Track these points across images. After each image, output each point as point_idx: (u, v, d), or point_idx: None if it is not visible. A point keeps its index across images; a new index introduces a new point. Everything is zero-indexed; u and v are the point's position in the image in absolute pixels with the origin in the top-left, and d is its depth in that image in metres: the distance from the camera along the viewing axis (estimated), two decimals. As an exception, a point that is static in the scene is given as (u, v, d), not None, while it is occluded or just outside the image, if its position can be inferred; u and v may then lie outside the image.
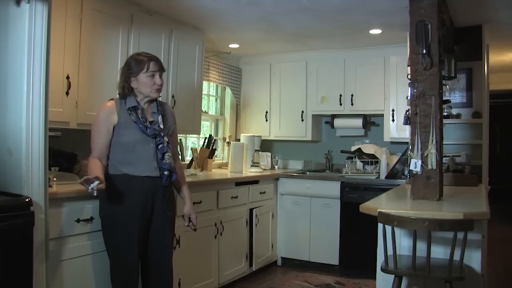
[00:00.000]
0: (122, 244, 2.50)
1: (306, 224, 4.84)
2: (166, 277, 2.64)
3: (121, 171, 2.51)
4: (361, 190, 4.55)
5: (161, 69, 2.60)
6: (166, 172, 2.56)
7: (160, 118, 2.61)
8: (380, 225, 2.47)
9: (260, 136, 5.24)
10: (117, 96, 2.65)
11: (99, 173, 2.36)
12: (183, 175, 2.90)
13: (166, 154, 2.56)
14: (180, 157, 3.86)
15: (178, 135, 3.12)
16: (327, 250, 4.70)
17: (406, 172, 4.17)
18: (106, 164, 2.54)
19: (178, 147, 3.39)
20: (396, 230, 2.44)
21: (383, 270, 2.42)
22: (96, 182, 2.21)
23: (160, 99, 2.72)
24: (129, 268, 2.50)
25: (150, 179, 2.53)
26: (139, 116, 2.54)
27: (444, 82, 3.20)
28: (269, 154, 5.35)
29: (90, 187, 2.20)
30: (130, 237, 2.49)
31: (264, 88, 5.52)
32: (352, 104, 5.03)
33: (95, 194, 2.24)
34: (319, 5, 3.64)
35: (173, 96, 3.90)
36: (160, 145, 2.55)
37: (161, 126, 2.60)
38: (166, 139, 2.59)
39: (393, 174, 4.59)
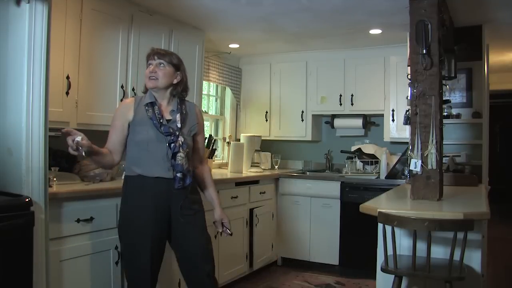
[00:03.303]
0: (135, 245, 2.40)
1: (306, 224, 4.84)
2: (204, 274, 2.51)
3: (134, 172, 2.43)
4: (361, 190, 4.55)
5: (156, 57, 2.46)
6: (178, 174, 2.42)
7: (178, 117, 2.49)
8: (380, 225, 2.47)
9: (260, 136, 5.24)
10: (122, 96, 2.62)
11: (92, 144, 2.28)
12: (210, 178, 2.74)
13: (178, 155, 2.41)
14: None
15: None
16: (327, 250, 4.70)
17: (406, 172, 4.16)
18: (117, 160, 2.48)
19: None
20: (396, 230, 2.44)
21: (383, 270, 2.42)
22: (80, 137, 2.15)
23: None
24: (141, 271, 2.39)
25: (164, 180, 2.42)
26: (155, 112, 2.44)
27: (444, 82, 3.20)
28: (269, 154, 5.35)
29: (75, 141, 2.13)
30: (143, 239, 2.39)
31: (264, 88, 5.52)
32: (352, 104, 5.03)
33: (82, 153, 2.17)
34: (319, 5, 3.64)
35: (173, 96, 3.89)
36: (172, 144, 2.42)
37: (179, 125, 2.47)
38: (181, 139, 2.44)
39: (393, 174, 4.59)
